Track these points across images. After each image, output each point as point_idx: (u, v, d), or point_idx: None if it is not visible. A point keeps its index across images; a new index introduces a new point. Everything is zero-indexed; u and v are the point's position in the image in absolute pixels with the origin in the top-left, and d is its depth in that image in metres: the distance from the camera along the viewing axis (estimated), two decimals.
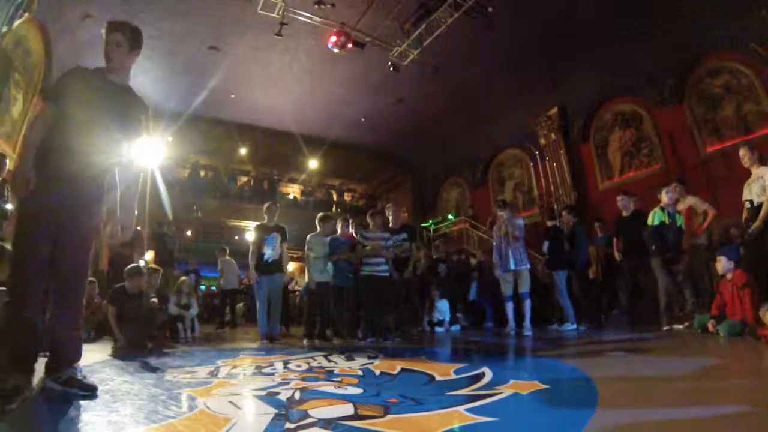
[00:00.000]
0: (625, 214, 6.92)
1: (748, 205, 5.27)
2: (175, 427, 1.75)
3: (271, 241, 6.20)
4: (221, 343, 6.36)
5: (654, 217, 6.24)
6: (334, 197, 20.30)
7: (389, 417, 1.86)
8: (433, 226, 15.45)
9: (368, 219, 6.69)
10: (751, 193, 5.29)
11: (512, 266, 6.49)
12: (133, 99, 2.65)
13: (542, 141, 13.37)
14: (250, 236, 16.66)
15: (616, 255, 6.98)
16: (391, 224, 7.02)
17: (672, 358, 3.63)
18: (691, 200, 6.38)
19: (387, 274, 6.38)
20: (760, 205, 5.10)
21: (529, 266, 6.62)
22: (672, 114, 10.61)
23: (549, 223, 7.67)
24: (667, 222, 6.12)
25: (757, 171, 5.29)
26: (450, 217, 15.90)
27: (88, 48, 8.27)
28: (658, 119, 10.97)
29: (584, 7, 9.02)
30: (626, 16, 9.19)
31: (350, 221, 7.18)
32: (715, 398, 2.16)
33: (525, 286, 6.50)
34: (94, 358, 3.88)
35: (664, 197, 6.22)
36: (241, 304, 12.53)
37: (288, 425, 1.72)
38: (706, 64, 9.99)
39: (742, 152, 5.52)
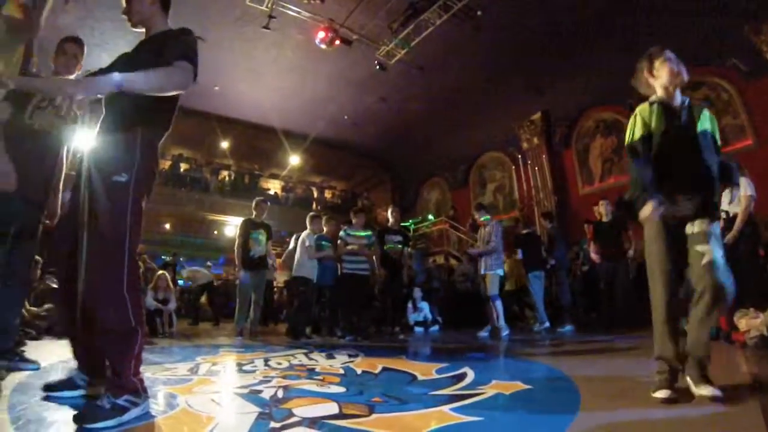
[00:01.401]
0: (604, 219, 7.05)
1: (723, 215, 5.39)
2: (157, 426, 1.72)
3: (257, 238, 6.17)
4: (199, 338, 6.27)
5: (638, 125, 2.54)
6: (315, 194, 20.17)
7: (374, 416, 1.86)
8: (412, 225, 15.48)
9: (351, 217, 6.74)
10: (725, 203, 5.38)
11: (482, 271, 6.73)
12: (154, 41, 2.18)
13: (525, 145, 13.52)
14: (230, 231, 16.54)
15: (594, 257, 7.09)
16: (390, 224, 7.14)
17: (650, 360, 3.70)
18: None
19: (368, 273, 6.42)
20: (735, 216, 5.24)
21: (496, 272, 6.72)
22: None
23: (523, 231, 7.79)
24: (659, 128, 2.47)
25: None
26: (430, 217, 15.96)
27: (69, 31, 8.08)
28: None
29: (570, 16, 9.12)
30: (610, 27, 9.32)
31: (333, 220, 7.23)
32: (692, 399, 2.20)
33: (491, 290, 6.66)
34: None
35: (664, 72, 2.63)
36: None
37: (273, 424, 1.70)
38: (688, 77, 10.20)
39: None
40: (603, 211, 7.08)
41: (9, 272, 2.68)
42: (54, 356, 3.48)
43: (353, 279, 6.28)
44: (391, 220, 7.19)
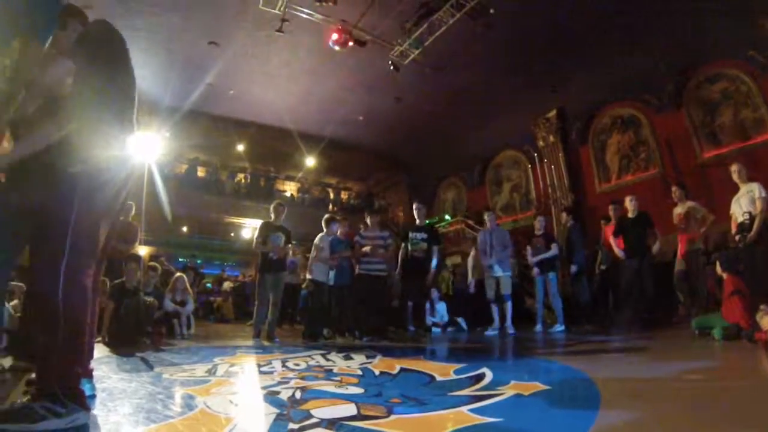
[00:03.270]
0: (630, 215, 6.88)
1: (747, 217, 5.41)
2: (176, 427, 1.72)
3: (276, 240, 6.21)
4: (216, 340, 6.33)
5: None
6: (331, 195, 20.25)
7: (393, 417, 1.85)
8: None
9: (366, 218, 6.74)
10: (741, 206, 5.52)
11: (496, 273, 6.86)
12: None
13: (540, 143, 13.38)
14: (247, 233, 16.69)
15: (618, 253, 6.86)
16: (417, 222, 6.93)
17: (670, 360, 3.64)
18: (689, 205, 6.40)
19: (384, 274, 6.40)
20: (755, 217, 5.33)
21: (510, 273, 6.95)
22: (670, 119, 10.65)
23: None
24: None
25: (747, 186, 5.56)
26: (447, 217, 15.89)
27: None
28: (657, 124, 11.01)
29: (585, 11, 9.00)
30: (627, 21, 9.18)
31: (347, 221, 7.23)
32: (715, 399, 2.16)
33: (506, 290, 6.82)
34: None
35: None
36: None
37: (291, 425, 1.70)
38: (706, 71, 10.05)
39: (734, 168, 5.81)
40: (629, 206, 6.89)
41: None
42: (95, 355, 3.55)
43: (368, 279, 6.28)
44: (417, 218, 6.92)
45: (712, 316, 5.06)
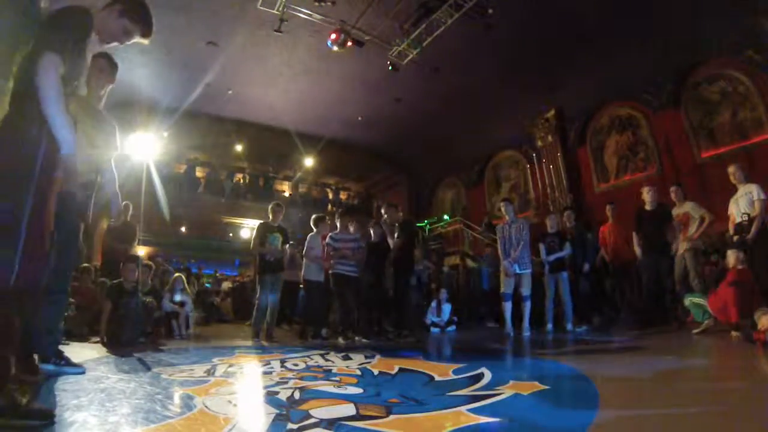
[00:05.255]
0: (648, 207, 6.52)
1: (745, 218, 5.44)
2: (175, 427, 1.72)
3: (274, 241, 6.20)
4: (215, 340, 6.32)
5: None
6: (330, 196, 20.23)
7: (392, 417, 1.85)
8: (428, 226, 15.43)
9: (336, 221, 6.70)
10: (739, 207, 5.56)
11: (517, 270, 6.46)
12: None
13: (539, 143, 13.39)
14: (245, 233, 16.68)
15: (636, 250, 6.57)
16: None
17: (668, 359, 3.65)
18: (688, 206, 6.38)
19: (356, 275, 6.34)
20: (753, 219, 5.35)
21: (530, 270, 6.56)
22: (668, 119, 10.67)
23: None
24: None
25: (745, 187, 5.59)
26: (445, 217, 15.89)
27: None
28: (655, 124, 11.04)
29: (583, 11, 9.02)
30: (625, 21, 9.20)
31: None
32: (714, 399, 2.17)
33: (527, 289, 6.48)
34: (89, 355, 3.84)
35: None
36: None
37: (290, 426, 1.70)
38: (704, 71, 10.08)
39: (732, 169, 5.80)
40: (647, 197, 6.50)
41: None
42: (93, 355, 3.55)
43: (341, 279, 6.23)
44: (386, 218, 7.06)
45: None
